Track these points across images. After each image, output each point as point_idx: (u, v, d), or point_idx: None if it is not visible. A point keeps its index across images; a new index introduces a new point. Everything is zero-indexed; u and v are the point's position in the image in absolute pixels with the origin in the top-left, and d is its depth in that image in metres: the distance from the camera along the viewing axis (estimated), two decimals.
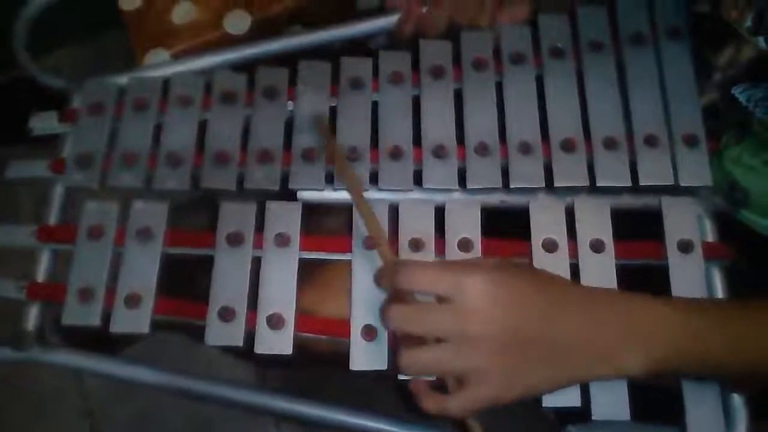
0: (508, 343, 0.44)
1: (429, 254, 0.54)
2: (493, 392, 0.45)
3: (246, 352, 0.52)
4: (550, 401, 0.50)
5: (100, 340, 0.54)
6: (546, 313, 0.45)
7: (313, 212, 0.57)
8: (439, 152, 0.57)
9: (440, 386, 0.48)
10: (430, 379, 0.48)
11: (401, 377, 0.49)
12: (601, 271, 0.53)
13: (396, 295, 0.47)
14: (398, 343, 0.49)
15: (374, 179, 0.56)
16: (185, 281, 0.57)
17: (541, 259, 0.54)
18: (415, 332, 0.45)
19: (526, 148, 0.56)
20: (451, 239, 0.54)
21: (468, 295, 0.44)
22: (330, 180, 0.56)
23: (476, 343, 0.44)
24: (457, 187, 0.56)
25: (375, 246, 0.52)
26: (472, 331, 0.44)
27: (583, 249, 0.54)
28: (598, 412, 0.50)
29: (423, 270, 0.45)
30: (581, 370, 0.46)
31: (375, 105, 0.59)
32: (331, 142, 0.56)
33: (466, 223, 0.55)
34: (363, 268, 0.53)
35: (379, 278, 0.49)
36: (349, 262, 0.54)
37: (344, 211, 0.56)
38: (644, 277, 0.52)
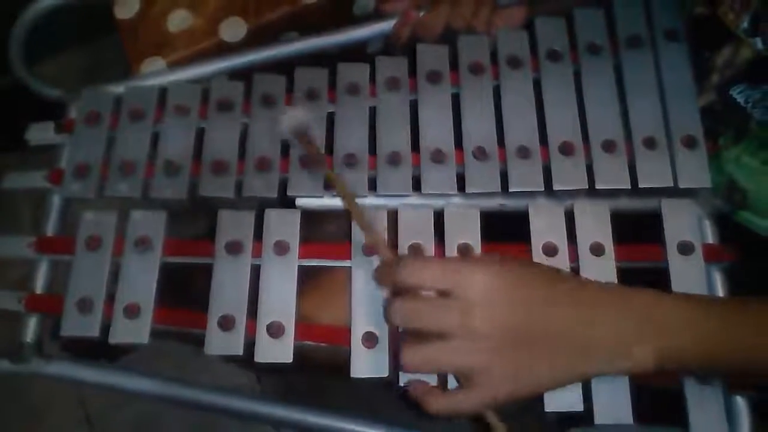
0: (513, 339, 0.44)
1: None
2: (504, 388, 0.44)
3: (246, 359, 0.52)
4: (552, 405, 0.49)
5: (100, 346, 0.54)
6: (552, 309, 0.45)
7: (311, 219, 0.57)
8: (438, 157, 0.56)
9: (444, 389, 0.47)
10: (432, 381, 0.48)
11: (401, 383, 0.49)
12: (601, 274, 0.53)
13: (397, 292, 0.46)
14: (400, 342, 0.47)
15: (372, 185, 0.56)
16: (184, 290, 0.57)
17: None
18: (418, 327, 0.45)
19: (524, 152, 0.56)
20: (451, 244, 0.54)
21: (472, 290, 0.43)
22: (329, 187, 0.56)
23: (480, 339, 0.43)
24: (456, 191, 0.56)
25: (372, 244, 0.51)
26: (476, 327, 0.43)
27: (583, 252, 0.54)
28: (601, 415, 0.50)
29: (425, 265, 0.45)
30: (591, 368, 0.46)
31: (372, 110, 0.59)
32: (312, 149, 0.55)
33: (465, 228, 0.55)
34: (363, 275, 0.53)
35: (380, 276, 0.48)
36: (348, 269, 0.54)
37: (343, 217, 0.56)
38: (645, 280, 0.52)
